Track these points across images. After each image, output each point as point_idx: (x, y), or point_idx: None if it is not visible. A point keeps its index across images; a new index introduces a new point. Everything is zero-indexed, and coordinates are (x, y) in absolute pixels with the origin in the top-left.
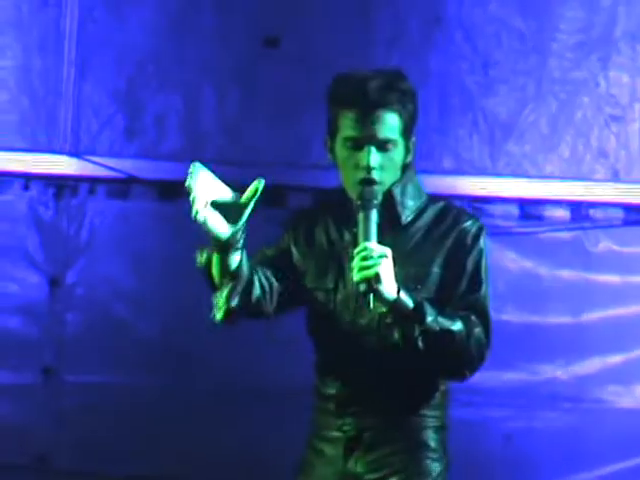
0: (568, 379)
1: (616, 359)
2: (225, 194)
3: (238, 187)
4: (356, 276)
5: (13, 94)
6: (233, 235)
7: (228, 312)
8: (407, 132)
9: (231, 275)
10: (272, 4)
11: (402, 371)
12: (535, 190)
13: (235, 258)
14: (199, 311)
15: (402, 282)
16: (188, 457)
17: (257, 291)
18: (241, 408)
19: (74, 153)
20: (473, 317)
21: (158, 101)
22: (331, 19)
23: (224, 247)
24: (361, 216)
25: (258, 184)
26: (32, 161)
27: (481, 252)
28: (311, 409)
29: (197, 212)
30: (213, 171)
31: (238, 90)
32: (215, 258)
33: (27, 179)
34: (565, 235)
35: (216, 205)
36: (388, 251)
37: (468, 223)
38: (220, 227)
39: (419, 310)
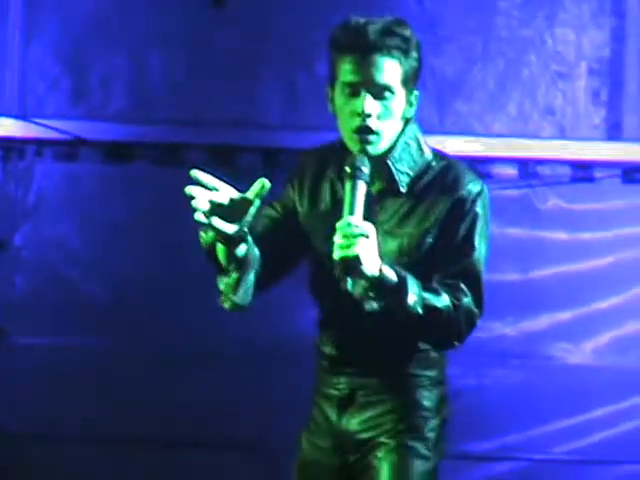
0: (517, 336)
1: (565, 316)
2: (229, 194)
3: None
4: (336, 253)
5: None
6: (239, 231)
7: (235, 304)
8: (408, 82)
9: (237, 264)
10: None
11: (395, 335)
12: (483, 148)
13: (241, 248)
14: (148, 272)
15: (395, 252)
16: (139, 418)
17: (263, 274)
18: (193, 371)
19: (21, 116)
20: (462, 285)
21: (105, 63)
22: None
23: (230, 241)
24: (348, 186)
25: (263, 182)
26: None
27: (476, 216)
28: (272, 373)
29: (200, 216)
30: (159, 132)
31: (185, 51)
32: (219, 246)
33: None
34: (513, 193)
35: (221, 205)
36: (371, 230)
37: (466, 189)
38: (226, 224)
39: (402, 287)
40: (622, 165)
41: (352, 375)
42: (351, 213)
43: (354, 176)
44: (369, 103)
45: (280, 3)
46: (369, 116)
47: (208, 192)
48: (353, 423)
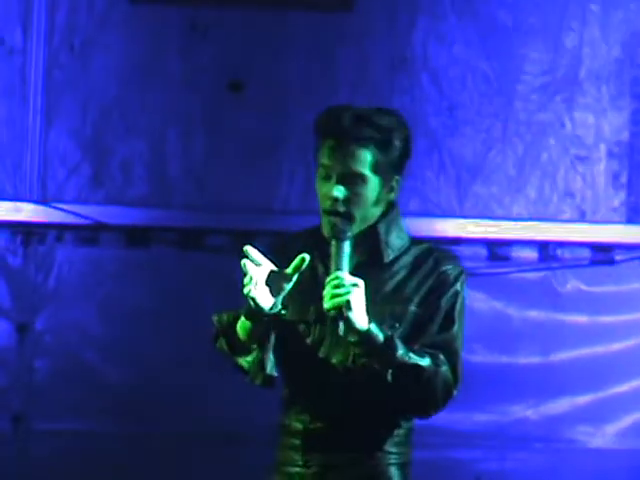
0: (538, 419)
1: (586, 399)
2: (270, 268)
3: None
4: (327, 303)
5: None
6: (275, 307)
7: (266, 379)
8: (384, 170)
9: (260, 343)
10: (236, 49)
11: (369, 408)
12: (503, 231)
13: (265, 326)
14: (167, 357)
15: (381, 320)
16: None
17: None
18: (211, 453)
19: (41, 201)
20: (441, 356)
21: (124, 147)
22: (294, 63)
23: (262, 318)
24: (333, 246)
25: (303, 256)
26: None
27: (457, 294)
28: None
29: (250, 291)
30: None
31: (203, 135)
32: (244, 324)
33: None
34: (533, 275)
35: (265, 279)
36: (360, 282)
37: (449, 267)
38: (264, 299)
39: (389, 343)
40: None
41: (323, 452)
42: (338, 269)
43: (338, 237)
44: (337, 188)
45: (298, 87)
46: (337, 200)
47: (255, 267)
48: None
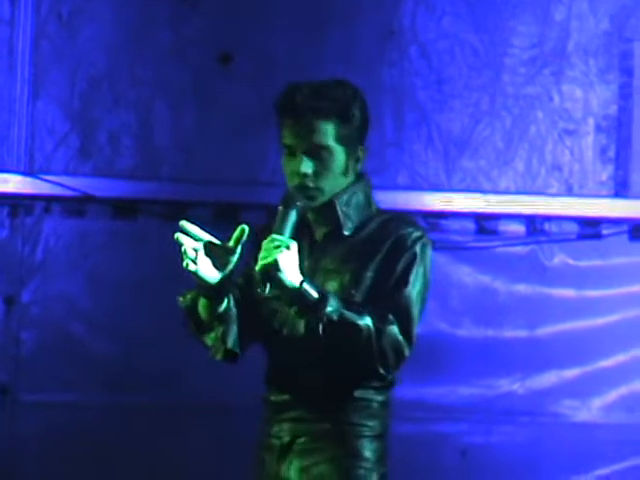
0: (524, 393)
1: (572, 373)
2: (212, 243)
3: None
4: (257, 266)
5: None
6: (222, 280)
7: (227, 353)
8: (347, 140)
9: (219, 318)
10: (226, 21)
11: (336, 379)
12: (490, 205)
13: (222, 303)
14: (155, 329)
15: (337, 288)
16: (142, 474)
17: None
18: (198, 424)
19: (28, 172)
20: (390, 316)
21: (112, 119)
22: (283, 34)
23: (212, 292)
24: (279, 213)
25: (243, 228)
26: None
27: (414, 256)
28: None
29: (188, 263)
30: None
31: (192, 107)
32: (202, 302)
33: None
34: (520, 249)
35: (205, 253)
36: (293, 244)
37: (408, 230)
38: (209, 273)
39: (322, 300)
40: (629, 222)
41: (294, 422)
42: (278, 234)
43: (286, 205)
44: (305, 163)
45: (286, 59)
46: (305, 175)
47: (194, 241)
48: (292, 471)
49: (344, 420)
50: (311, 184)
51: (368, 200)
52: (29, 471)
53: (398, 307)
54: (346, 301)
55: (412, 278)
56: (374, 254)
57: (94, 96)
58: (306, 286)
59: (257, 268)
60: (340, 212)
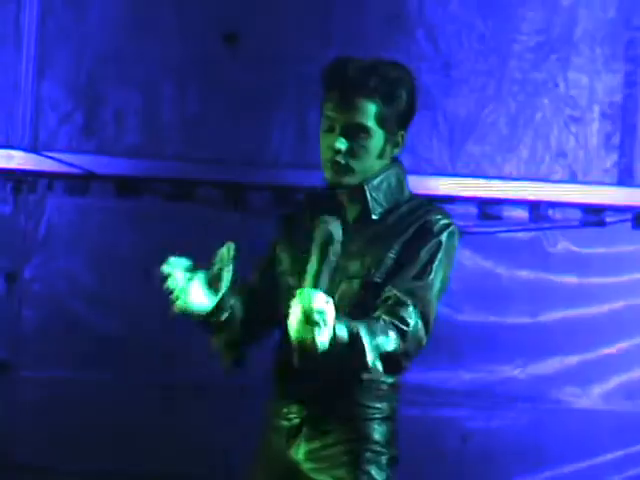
0: (526, 379)
1: (574, 359)
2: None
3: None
4: (294, 331)
5: None
6: (216, 305)
7: (235, 361)
8: (388, 123)
9: (221, 328)
10: (231, 1)
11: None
12: (494, 190)
13: (222, 316)
14: (157, 307)
15: (359, 269)
16: (144, 452)
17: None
18: (196, 404)
19: (32, 149)
20: (410, 307)
21: (117, 97)
22: (289, 16)
23: (209, 316)
24: (316, 254)
25: (229, 246)
26: None
27: (439, 245)
28: None
29: (176, 303)
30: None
31: (197, 87)
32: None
33: None
34: (524, 235)
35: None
36: (328, 307)
37: (437, 217)
38: (202, 301)
39: (355, 345)
40: (633, 210)
41: (303, 404)
42: (315, 285)
43: (326, 245)
44: (340, 139)
45: (292, 39)
46: (339, 151)
47: (180, 277)
48: (300, 453)
49: (353, 402)
50: (343, 161)
51: (401, 185)
52: (29, 447)
53: (419, 295)
54: (371, 316)
55: (435, 266)
56: (399, 237)
57: (99, 74)
58: (338, 337)
59: (293, 335)
60: (369, 197)
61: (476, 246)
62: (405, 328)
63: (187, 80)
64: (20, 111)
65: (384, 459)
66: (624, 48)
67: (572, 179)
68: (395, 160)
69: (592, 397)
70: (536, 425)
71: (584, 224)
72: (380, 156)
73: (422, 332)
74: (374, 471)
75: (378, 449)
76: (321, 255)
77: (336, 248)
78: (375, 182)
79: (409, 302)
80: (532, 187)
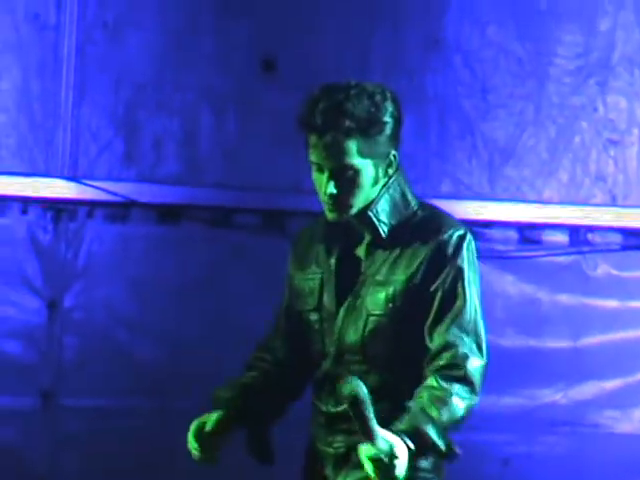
0: (567, 403)
1: (614, 384)
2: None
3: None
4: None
5: (11, 117)
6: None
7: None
8: (373, 151)
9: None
10: (270, 27)
11: (387, 389)
12: (534, 214)
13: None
14: (198, 334)
15: (383, 299)
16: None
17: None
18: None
19: (72, 177)
20: (465, 352)
21: (156, 125)
22: (329, 41)
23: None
24: (358, 419)
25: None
26: (30, 185)
27: (460, 270)
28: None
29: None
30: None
31: (235, 114)
32: None
33: (25, 203)
34: (564, 259)
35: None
36: (400, 450)
37: (449, 232)
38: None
39: (425, 444)
40: None
41: (348, 433)
42: (374, 439)
43: (358, 405)
44: (331, 184)
45: (331, 66)
46: (332, 195)
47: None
48: None
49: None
50: (339, 202)
51: (404, 197)
52: (70, 476)
53: (464, 327)
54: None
55: (467, 290)
56: (418, 260)
57: (138, 102)
58: (408, 446)
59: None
60: (377, 222)
61: (516, 270)
62: (472, 380)
63: (225, 107)
64: (60, 140)
65: None
66: None
67: (612, 203)
68: (393, 174)
69: (633, 421)
70: (576, 449)
71: (624, 248)
72: (375, 183)
73: (480, 363)
74: None
75: (426, 476)
76: (360, 417)
77: (367, 405)
78: (379, 206)
79: (462, 350)
80: (572, 211)
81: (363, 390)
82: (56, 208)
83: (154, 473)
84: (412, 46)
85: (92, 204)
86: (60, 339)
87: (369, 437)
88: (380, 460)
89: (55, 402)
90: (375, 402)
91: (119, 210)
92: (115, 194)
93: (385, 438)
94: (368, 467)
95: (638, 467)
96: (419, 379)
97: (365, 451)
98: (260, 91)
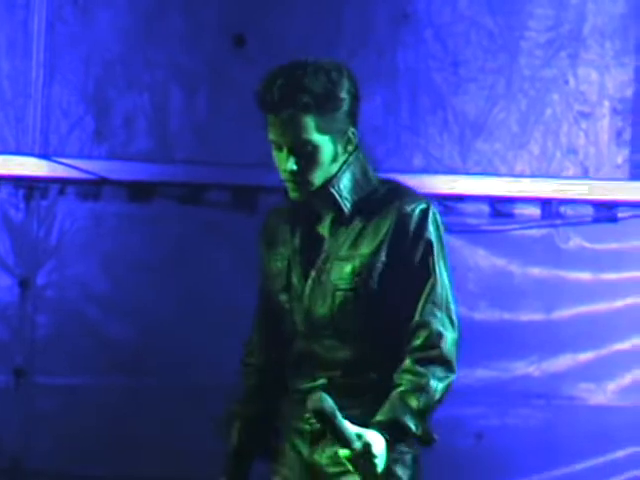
0: (540, 376)
1: (587, 356)
2: None
3: None
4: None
5: None
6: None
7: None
8: (331, 127)
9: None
10: (239, 3)
11: (362, 362)
12: (506, 188)
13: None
14: (170, 312)
15: (349, 273)
16: (158, 457)
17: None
18: (210, 407)
19: (43, 154)
20: (440, 327)
21: (127, 102)
22: (298, 17)
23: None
24: (329, 429)
25: None
26: (1, 163)
27: (430, 242)
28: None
29: None
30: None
31: (206, 91)
32: None
33: None
34: (536, 232)
35: None
36: (377, 446)
37: (412, 206)
38: None
39: (404, 434)
40: None
41: None
42: (350, 444)
43: (326, 418)
44: (290, 160)
45: (300, 41)
46: (292, 172)
47: None
48: (324, 457)
49: (376, 408)
50: (299, 178)
51: (365, 174)
52: (43, 453)
53: (437, 303)
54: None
55: (437, 264)
56: (381, 235)
57: (108, 79)
58: (386, 438)
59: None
60: (338, 197)
61: (489, 244)
62: (448, 358)
63: (195, 84)
64: (31, 117)
65: (408, 458)
66: (634, 42)
67: (583, 175)
68: (353, 150)
69: (606, 393)
70: (550, 422)
71: (596, 220)
72: (334, 160)
73: (456, 335)
74: (399, 470)
75: (402, 449)
76: (332, 428)
77: (334, 415)
78: (338, 182)
79: (436, 327)
80: (543, 184)
81: (328, 402)
82: (27, 186)
83: (127, 450)
84: (382, 20)
85: (63, 182)
86: (32, 317)
87: (345, 444)
88: (358, 460)
89: (28, 380)
90: (351, 375)
91: (91, 187)
92: (86, 171)
93: (361, 438)
94: (350, 467)
95: (612, 439)
96: (394, 350)
97: (344, 454)
98: (230, 68)
